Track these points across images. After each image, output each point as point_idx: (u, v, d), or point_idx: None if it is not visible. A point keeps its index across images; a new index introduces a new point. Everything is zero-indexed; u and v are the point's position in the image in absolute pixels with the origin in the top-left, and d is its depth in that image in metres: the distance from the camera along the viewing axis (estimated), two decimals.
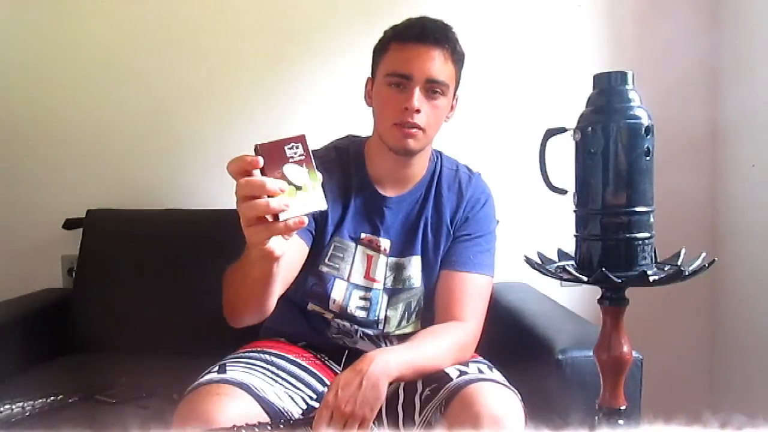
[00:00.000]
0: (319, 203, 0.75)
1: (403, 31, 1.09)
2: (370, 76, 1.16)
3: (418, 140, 1.09)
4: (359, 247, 1.15)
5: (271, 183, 0.72)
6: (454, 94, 1.14)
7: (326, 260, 1.14)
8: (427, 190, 1.18)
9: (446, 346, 1.04)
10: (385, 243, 1.16)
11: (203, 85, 1.81)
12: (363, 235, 1.15)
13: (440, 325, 1.09)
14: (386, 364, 0.94)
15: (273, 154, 0.74)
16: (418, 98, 1.06)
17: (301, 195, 0.74)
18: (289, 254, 0.98)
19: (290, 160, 0.74)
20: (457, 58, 1.11)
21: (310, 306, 1.17)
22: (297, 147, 0.75)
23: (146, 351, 1.49)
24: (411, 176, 1.18)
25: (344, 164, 1.18)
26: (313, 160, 0.75)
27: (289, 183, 0.73)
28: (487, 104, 1.79)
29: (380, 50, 1.12)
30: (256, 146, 0.74)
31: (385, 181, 1.17)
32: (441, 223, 1.17)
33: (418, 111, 1.06)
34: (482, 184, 1.22)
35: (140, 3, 1.80)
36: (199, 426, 0.86)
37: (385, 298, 1.15)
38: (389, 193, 1.17)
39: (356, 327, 1.15)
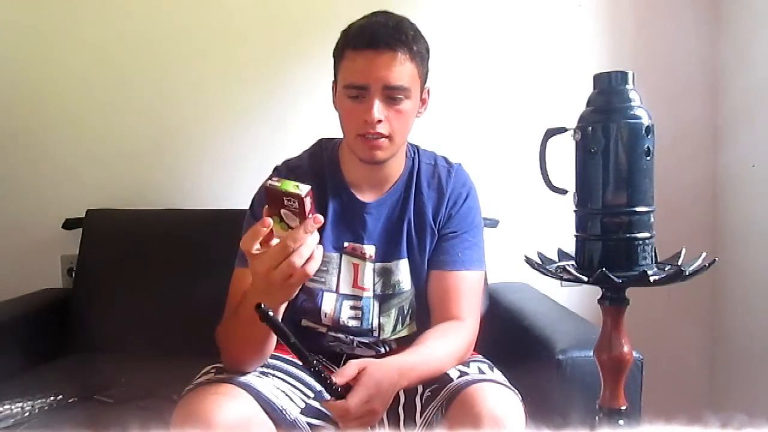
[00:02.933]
0: None
1: (354, 37, 1.03)
2: (333, 80, 1.11)
3: (385, 149, 1.06)
4: (344, 256, 1.13)
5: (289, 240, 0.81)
6: (422, 89, 1.10)
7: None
8: (407, 190, 1.15)
9: (454, 348, 1.03)
10: (369, 249, 1.13)
11: (203, 85, 1.81)
12: (346, 244, 1.13)
13: (443, 326, 1.07)
14: (410, 377, 0.95)
15: (274, 199, 0.84)
16: (378, 108, 1.01)
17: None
18: None
19: (287, 208, 0.83)
20: (416, 55, 1.04)
21: (304, 322, 1.15)
22: (293, 201, 0.83)
23: (146, 351, 1.49)
24: (388, 177, 1.15)
25: (318, 172, 1.15)
26: (307, 218, 0.83)
27: (283, 221, 0.84)
28: (487, 104, 1.79)
29: (337, 56, 1.08)
30: (264, 186, 0.85)
31: (362, 184, 1.14)
32: (424, 223, 1.14)
33: (379, 121, 1.02)
34: (463, 177, 1.18)
35: (141, 4, 1.80)
36: (198, 426, 0.85)
37: (377, 305, 1.13)
38: (367, 197, 1.14)
39: (351, 337, 1.14)
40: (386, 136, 1.05)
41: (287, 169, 1.16)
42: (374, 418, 0.90)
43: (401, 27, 1.03)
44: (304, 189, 0.82)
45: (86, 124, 1.81)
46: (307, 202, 0.82)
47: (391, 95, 1.03)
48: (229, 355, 0.99)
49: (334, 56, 1.09)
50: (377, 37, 1.01)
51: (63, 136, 1.81)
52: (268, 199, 0.84)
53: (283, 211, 0.83)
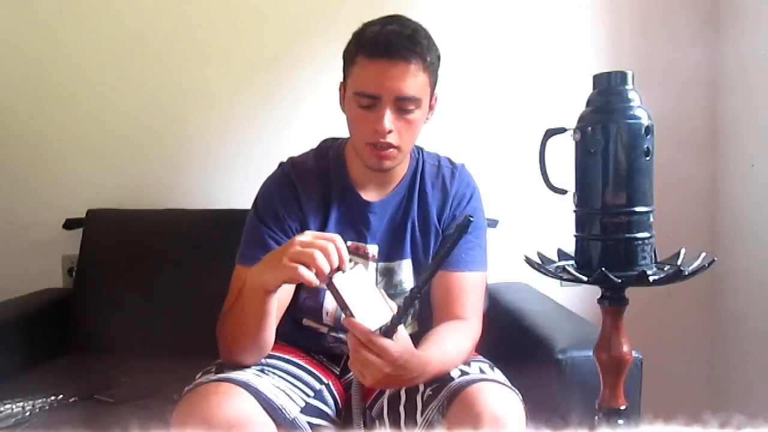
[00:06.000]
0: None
1: (369, 45, 1.02)
2: (342, 81, 1.10)
3: (393, 158, 1.07)
4: (353, 259, 1.13)
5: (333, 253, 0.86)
6: (431, 96, 1.10)
7: None
8: (411, 190, 1.16)
9: (463, 347, 1.03)
10: (372, 249, 1.14)
11: (203, 85, 1.81)
12: (349, 243, 1.13)
13: (452, 325, 1.07)
14: (425, 372, 0.93)
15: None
16: (388, 119, 1.01)
17: (373, 314, 0.88)
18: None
19: None
20: (429, 66, 1.04)
21: (305, 321, 1.16)
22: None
23: (146, 351, 1.49)
24: (392, 178, 1.16)
25: (323, 171, 1.15)
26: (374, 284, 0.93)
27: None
28: (487, 104, 1.80)
29: (348, 59, 1.07)
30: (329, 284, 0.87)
31: (366, 184, 1.15)
32: (428, 224, 1.15)
33: (390, 132, 1.02)
34: (466, 177, 1.19)
35: (141, 5, 1.80)
36: (198, 425, 0.85)
37: None
38: (372, 197, 1.15)
39: None
40: (395, 147, 1.05)
41: (291, 166, 1.16)
42: (382, 384, 0.89)
43: (416, 37, 1.02)
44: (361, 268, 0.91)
45: (86, 124, 1.81)
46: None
47: (403, 106, 1.03)
48: (228, 347, 1.00)
49: (344, 58, 1.09)
50: (392, 47, 1.00)
51: (63, 136, 1.81)
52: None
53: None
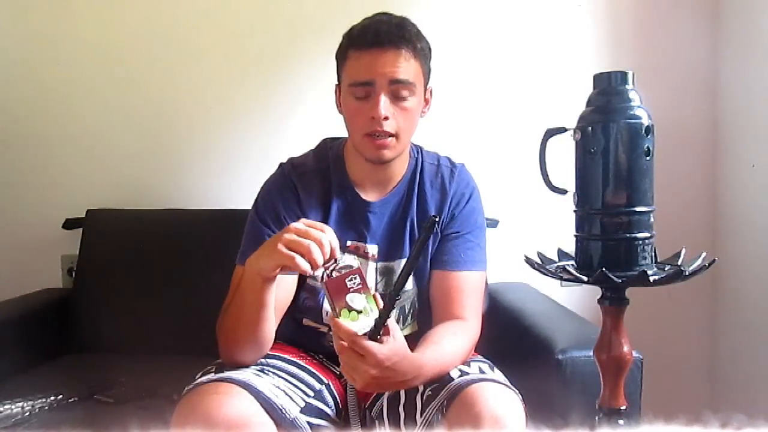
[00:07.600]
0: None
1: (358, 38, 1.04)
2: (337, 83, 1.12)
3: (392, 148, 1.07)
4: (346, 255, 1.13)
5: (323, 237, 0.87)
6: (425, 88, 1.11)
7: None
8: (410, 190, 1.16)
9: (461, 348, 1.03)
10: (372, 249, 1.14)
11: (203, 85, 1.81)
12: (349, 243, 1.13)
13: (451, 325, 1.06)
14: (420, 375, 0.93)
15: (338, 288, 0.88)
16: (384, 105, 1.02)
17: (362, 318, 0.87)
18: (283, 282, 1.00)
19: (351, 290, 0.88)
20: (420, 53, 1.05)
21: (305, 321, 1.16)
22: (355, 278, 0.89)
23: (146, 351, 1.49)
24: (391, 177, 1.15)
25: (323, 171, 1.16)
26: (369, 287, 0.90)
27: (351, 309, 0.88)
28: (487, 104, 1.79)
29: (340, 58, 1.09)
30: (323, 282, 0.89)
31: (366, 184, 1.15)
32: None
33: (386, 119, 1.03)
34: (466, 177, 1.19)
35: (141, 5, 1.80)
36: (199, 425, 0.85)
37: None
38: (371, 197, 1.15)
39: None
40: (393, 135, 1.05)
41: (291, 167, 1.16)
42: (371, 386, 0.89)
43: (404, 25, 1.05)
44: (354, 263, 0.89)
45: (86, 124, 1.81)
46: (363, 275, 0.90)
47: (397, 91, 1.04)
48: (227, 344, 1.01)
49: (337, 58, 1.10)
50: (381, 36, 1.02)
51: (63, 136, 1.81)
52: (332, 293, 0.88)
53: (348, 296, 0.88)
